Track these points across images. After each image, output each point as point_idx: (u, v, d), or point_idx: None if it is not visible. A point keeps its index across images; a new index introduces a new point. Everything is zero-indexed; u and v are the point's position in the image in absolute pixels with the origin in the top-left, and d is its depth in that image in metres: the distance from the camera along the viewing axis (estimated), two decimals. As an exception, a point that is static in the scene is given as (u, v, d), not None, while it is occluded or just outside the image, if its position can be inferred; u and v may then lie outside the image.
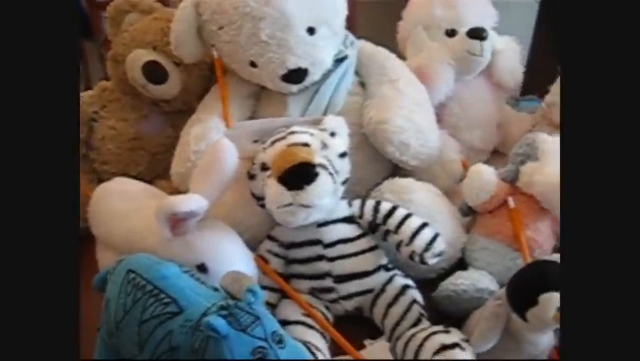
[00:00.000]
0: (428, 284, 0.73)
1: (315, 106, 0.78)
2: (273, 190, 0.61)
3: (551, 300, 0.57)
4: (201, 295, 0.54)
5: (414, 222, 0.66)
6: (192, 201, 0.58)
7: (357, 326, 0.69)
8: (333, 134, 0.66)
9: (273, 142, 0.65)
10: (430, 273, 0.75)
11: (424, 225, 0.66)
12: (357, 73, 0.84)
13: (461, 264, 0.77)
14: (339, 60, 0.80)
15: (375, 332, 0.69)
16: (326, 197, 0.61)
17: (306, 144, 0.63)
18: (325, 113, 0.78)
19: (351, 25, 1.11)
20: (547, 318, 0.57)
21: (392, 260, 0.72)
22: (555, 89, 0.92)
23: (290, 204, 0.60)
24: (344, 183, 0.66)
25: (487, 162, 0.95)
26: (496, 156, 0.96)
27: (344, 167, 0.66)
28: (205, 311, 0.51)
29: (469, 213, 0.78)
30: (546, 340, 0.61)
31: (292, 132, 0.65)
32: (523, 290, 0.59)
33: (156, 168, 0.90)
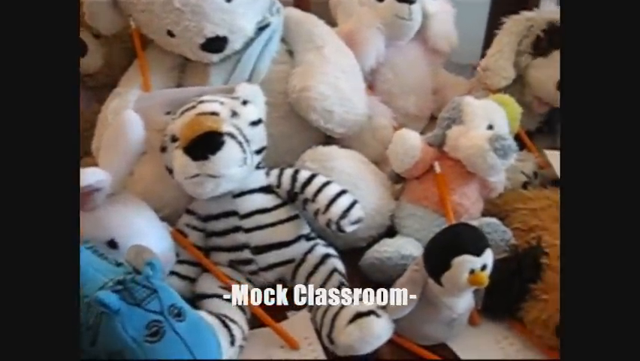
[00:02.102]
0: (357, 253, 0.72)
1: (237, 75, 0.76)
2: (180, 161, 0.59)
3: (464, 263, 0.56)
4: (100, 271, 0.53)
5: (331, 190, 0.65)
6: (90, 175, 0.56)
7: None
8: (245, 103, 0.64)
9: (183, 112, 0.63)
10: (360, 242, 0.74)
11: (342, 192, 0.65)
12: (284, 41, 0.82)
13: (391, 231, 0.76)
14: (262, 28, 0.78)
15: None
16: (234, 166, 0.59)
17: (214, 113, 0.61)
18: (249, 82, 0.75)
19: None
20: (461, 281, 0.57)
21: (319, 230, 0.71)
22: (491, 53, 0.90)
23: (197, 175, 0.58)
24: (259, 152, 0.65)
25: (424, 128, 0.95)
26: (434, 122, 0.95)
27: (256, 135, 0.64)
28: (102, 286, 0.50)
29: (399, 180, 0.77)
30: (463, 303, 0.61)
31: (202, 102, 0.63)
32: (436, 255, 0.59)
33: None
